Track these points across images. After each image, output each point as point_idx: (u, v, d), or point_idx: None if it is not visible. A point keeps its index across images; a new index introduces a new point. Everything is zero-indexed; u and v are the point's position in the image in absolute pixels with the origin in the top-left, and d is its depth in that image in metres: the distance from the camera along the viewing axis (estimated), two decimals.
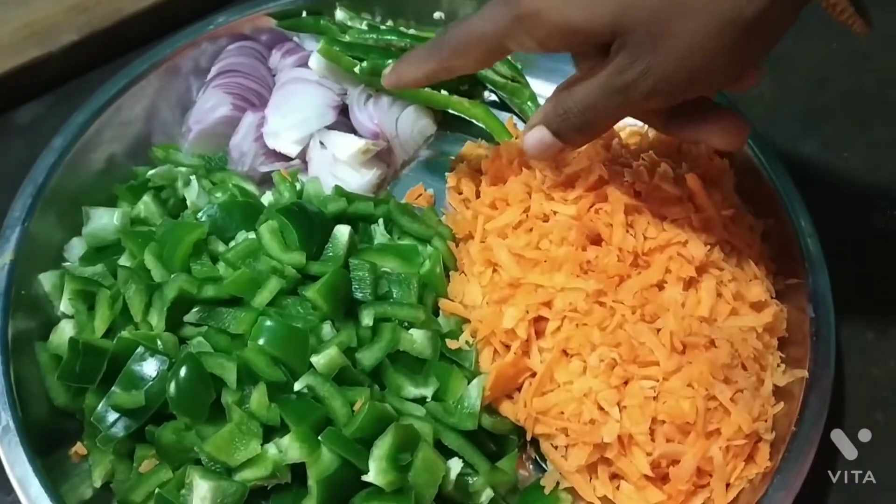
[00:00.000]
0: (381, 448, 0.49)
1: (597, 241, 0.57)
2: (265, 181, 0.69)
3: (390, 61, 0.70)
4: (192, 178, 0.64)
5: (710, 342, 0.54)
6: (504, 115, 0.74)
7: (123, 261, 0.59)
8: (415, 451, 0.50)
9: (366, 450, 0.49)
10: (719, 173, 0.63)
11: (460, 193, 0.68)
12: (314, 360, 0.52)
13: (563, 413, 0.53)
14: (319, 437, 0.49)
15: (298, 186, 0.65)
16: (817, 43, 0.82)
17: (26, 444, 0.52)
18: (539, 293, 0.56)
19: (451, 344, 0.57)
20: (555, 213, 0.59)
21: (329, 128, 0.69)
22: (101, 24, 0.78)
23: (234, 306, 0.55)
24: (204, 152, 0.70)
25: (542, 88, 0.74)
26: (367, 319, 0.56)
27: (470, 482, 0.53)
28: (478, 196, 0.65)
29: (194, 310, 0.55)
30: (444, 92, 0.71)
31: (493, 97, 0.76)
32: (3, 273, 0.58)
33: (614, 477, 0.54)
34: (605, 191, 0.58)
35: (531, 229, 0.59)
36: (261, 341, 0.52)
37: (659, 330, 0.53)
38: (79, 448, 0.55)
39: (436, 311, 0.60)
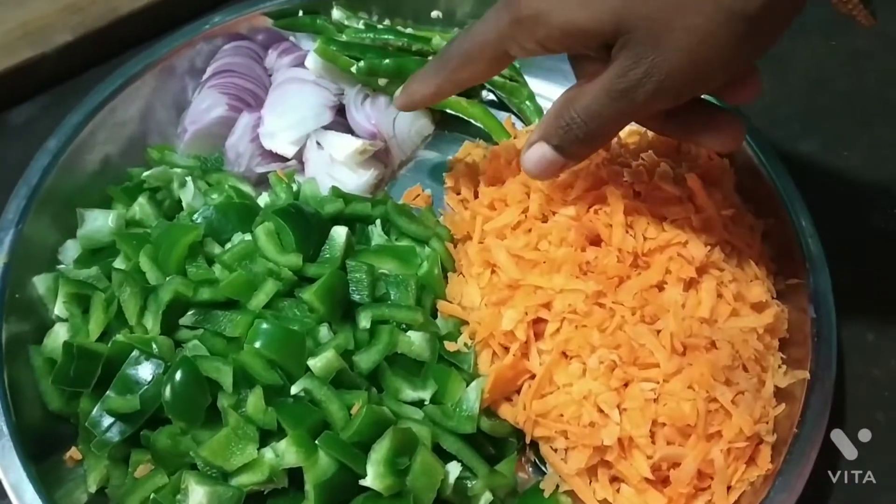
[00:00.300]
0: (379, 452, 0.49)
1: (596, 241, 0.57)
2: (261, 182, 0.69)
3: (387, 61, 0.70)
4: (188, 179, 0.64)
5: (711, 343, 0.53)
6: (502, 115, 0.74)
7: (118, 263, 0.58)
8: (413, 454, 0.50)
9: (363, 454, 0.49)
10: (719, 173, 0.63)
11: (458, 194, 0.68)
12: (311, 363, 0.52)
13: (562, 415, 0.53)
14: (316, 442, 0.49)
15: (295, 187, 0.65)
16: (817, 42, 0.82)
17: (20, 450, 0.51)
18: (538, 294, 0.55)
19: (450, 346, 0.57)
20: (554, 213, 0.58)
21: (326, 128, 0.69)
22: (96, 24, 0.78)
23: (230, 309, 0.55)
24: (200, 153, 0.69)
25: (541, 88, 0.74)
26: (364, 322, 0.56)
27: (469, 486, 0.53)
28: (476, 196, 0.65)
29: (190, 313, 0.54)
30: None
31: (492, 97, 0.76)
32: None
33: (614, 480, 0.54)
34: (604, 191, 0.57)
35: (530, 230, 0.58)
36: (257, 344, 0.52)
37: (659, 331, 0.53)
38: (73, 453, 0.54)
39: (434, 313, 0.60)
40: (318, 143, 0.69)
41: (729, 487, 0.52)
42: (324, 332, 0.54)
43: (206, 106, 0.69)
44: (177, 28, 0.73)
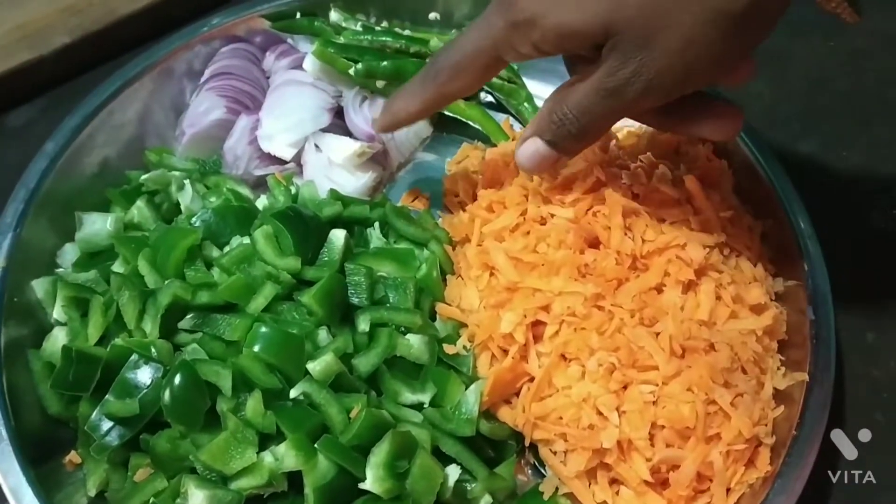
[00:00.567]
0: (379, 455, 0.49)
1: (595, 244, 0.57)
2: (260, 185, 0.69)
3: (385, 63, 0.70)
4: (186, 182, 0.64)
5: (710, 346, 0.53)
6: (500, 117, 0.74)
7: (117, 267, 0.58)
8: (412, 457, 0.50)
9: (363, 457, 0.49)
10: (718, 174, 0.63)
11: (457, 196, 0.68)
12: (310, 366, 0.52)
13: (561, 418, 0.53)
14: (316, 445, 0.49)
15: (293, 190, 0.65)
16: (817, 42, 0.82)
17: (19, 454, 0.51)
18: (537, 297, 0.55)
19: (449, 349, 0.57)
20: (552, 216, 0.58)
21: (324, 130, 0.69)
22: (94, 26, 0.78)
23: (228, 312, 0.55)
24: (198, 156, 0.69)
25: (539, 89, 0.73)
26: (363, 325, 0.56)
27: (468, 488, 0.53)
28: (474, 199, 0.65)
29: (189, 316, 0.54)
30: None
31: (490, 98, 0.76)
32: None
33: (614, 482, 0.54)
34: (602, 193, 0.57)
35: (528, 232, 0.58)
36: (256, 348, 0.52)
37: (658, 334, 0.53)
38: (73, 457, 0.54)
39: (433, 316, 0.60)
40: (317, 146, 0.69)
41: (728, 490, 0.52)
42: (323, 335, 0.54)
43: (205, 108, 0.69)
44: (175, 30, 0.73)
